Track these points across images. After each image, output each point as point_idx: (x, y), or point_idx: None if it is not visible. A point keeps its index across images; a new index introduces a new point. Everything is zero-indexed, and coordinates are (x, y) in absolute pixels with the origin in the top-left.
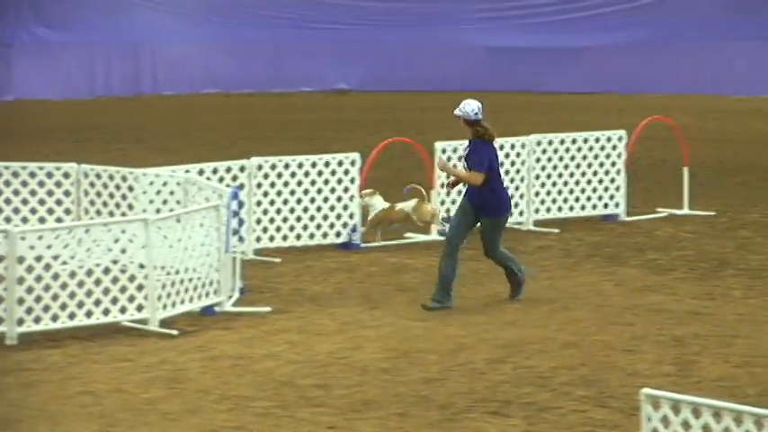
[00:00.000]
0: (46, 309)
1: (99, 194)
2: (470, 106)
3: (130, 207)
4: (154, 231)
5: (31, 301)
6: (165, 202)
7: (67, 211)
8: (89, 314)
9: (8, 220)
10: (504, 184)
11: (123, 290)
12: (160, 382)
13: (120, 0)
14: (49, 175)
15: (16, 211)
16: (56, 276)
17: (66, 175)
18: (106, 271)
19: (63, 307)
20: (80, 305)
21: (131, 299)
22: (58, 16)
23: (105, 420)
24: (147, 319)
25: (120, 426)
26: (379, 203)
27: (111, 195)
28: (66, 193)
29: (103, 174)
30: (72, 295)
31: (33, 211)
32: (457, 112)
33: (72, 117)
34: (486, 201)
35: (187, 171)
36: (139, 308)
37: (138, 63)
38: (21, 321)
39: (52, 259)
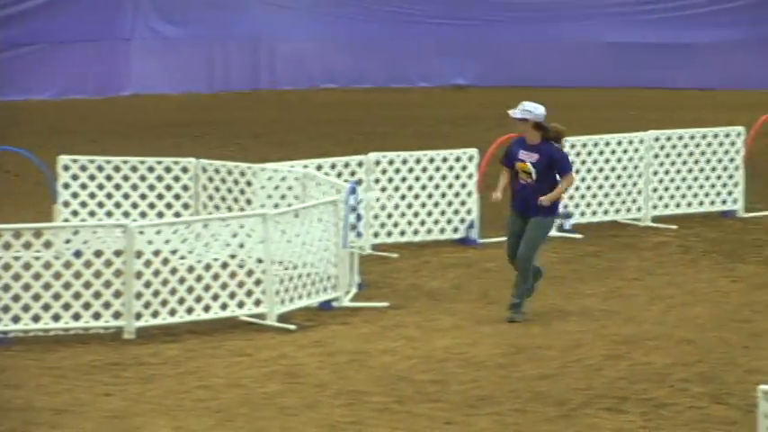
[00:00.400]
0: (164, 303)
1: (217, 189)
2: (540, 109)
3: (248, 202)
4: (272, 226)
5: (149, 296)
6: (283, 197)
7: (186, 206)
8: (207, 309)
9: (126, 214)
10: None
11: (241, 285)
12: (278, 376)
13: None
14: (168, 169)
15: (134, 205)
16: (174, 271)
17: (185, 170)
18: (224, 266)
19: (181, 301)
20: (198, 300)
21: (249, 293)
22: (178, 11)
23: (223, 415)
24: (265, 313)
25: (238, 420)
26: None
27: (230, 190)
28: (185, 188)
29: (222, 169)
30: (190, 290)
31: (152, 205)
32: (521, 114)
33: (190, 112)
34: (535, 202)
35: (305, 166)
36: (257, 303)
37: (257, 58)
38: (139, 316)
39: (170, 254)
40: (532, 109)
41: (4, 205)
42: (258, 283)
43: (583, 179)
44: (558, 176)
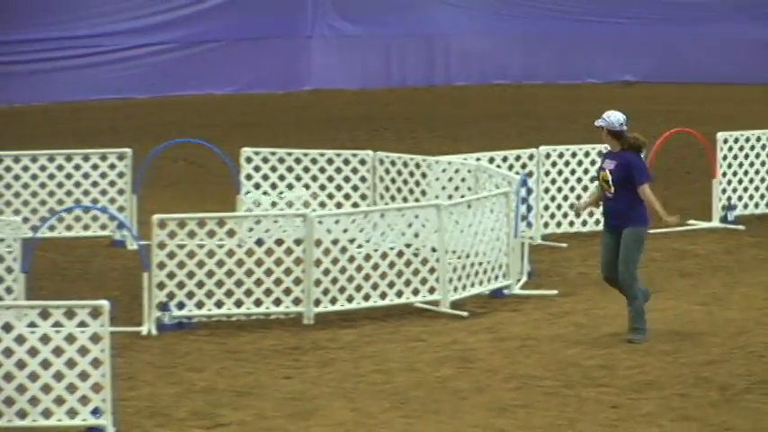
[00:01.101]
0: (342, 290)
1: (393, 181)
2: (616, 117)
3: (423, 193)
4: (446, 216)
5: (327, 283)
6: (456, 188)
7: (363, 197)
8: (383, 296)
9: (306, 204)
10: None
11: (416, 272)
12: (451, 361)
13: None
14: (346, 162)
15: (314, 196)
16: (351, 259)
17: (363, 162)
18: (400, 254)
19: (358, 288)
20: (374, 287)
21: (423, 281)
22: (356, 10)
23: (398, 397)
24: (439, 300)
25: (412, 403)
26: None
27: (405, 182)
28: (362, 180)
29: (398, 161)
30: (367, 277)
31: (330, 196)
32: (600, 122)
33: (367, 106)
34: (628, 213)
35: (478, 159)
36: (431, 290)
37: (432, 55)
38: (317, 302)
39: (348, 242)
40: (607, 117)
41: (190, 195)
42: (432, 271)
43: (746, 172)
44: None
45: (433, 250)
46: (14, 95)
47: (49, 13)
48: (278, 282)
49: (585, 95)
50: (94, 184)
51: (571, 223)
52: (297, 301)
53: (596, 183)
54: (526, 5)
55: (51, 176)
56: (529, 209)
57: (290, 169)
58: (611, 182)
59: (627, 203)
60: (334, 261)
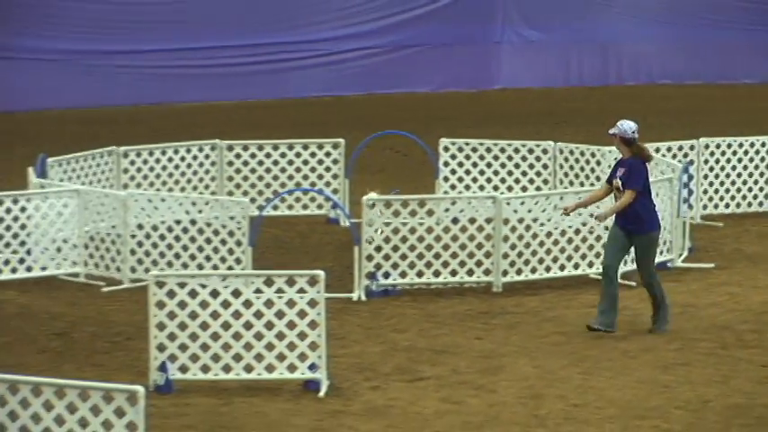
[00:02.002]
0: (526, 262)
1: (572, 168)
2: (629, 125)
3: (597, 179)
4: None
5: (513, 256)
6: None
7: (545, 182)
8: (562, 267)
9: (496, 188)
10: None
11: (590, 247)
12: (621, 325)
13: (591, 6)
14: (530, 151)
15: (502, 180)
16: (534, 236)
17: (545, 151)
18: (576, 232)
19: (540, 261)
20: (554, 260)
21: (598, 255)
22: (540, 19)
23: (575, 356)
24: None
25: (587, 361)
26: None
27: (582, 168)
28: (545, 167)
29: (575, 150)
30: (548, 252)
31: (516, 180)
32: (613, 130)
33: (549, 103)
34: (641, 216)
35: None
36: None
37: (605, 58)
38: (505, 273)
39: (532, 221)
40: (620, 125)
41: (394, 180)
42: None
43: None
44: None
45: (606, 228)
46: (257, 91)
47: (284, 19)
48: (471, 255)
49: (741, 94)
50: (312, 169)
51: (727, 205)
52: (487, 272)
53: (602, 183)
54: (687, 15)
55: (275, 162)
56: (690, 193)
57: (481, 157)
58: (621, 188)
59: (638, 207)
60: (520, 237)
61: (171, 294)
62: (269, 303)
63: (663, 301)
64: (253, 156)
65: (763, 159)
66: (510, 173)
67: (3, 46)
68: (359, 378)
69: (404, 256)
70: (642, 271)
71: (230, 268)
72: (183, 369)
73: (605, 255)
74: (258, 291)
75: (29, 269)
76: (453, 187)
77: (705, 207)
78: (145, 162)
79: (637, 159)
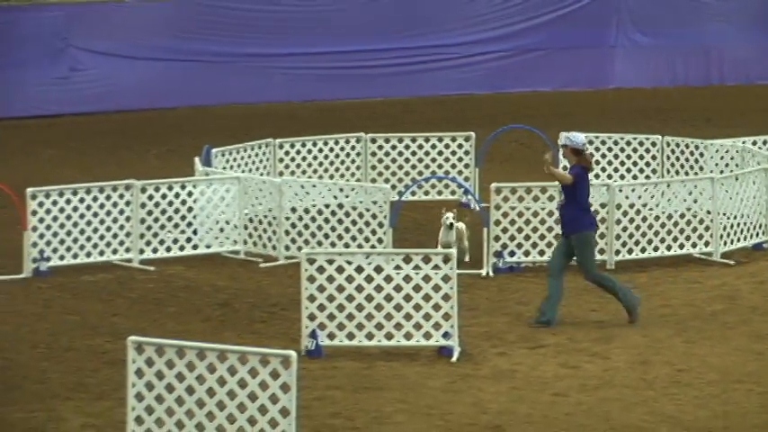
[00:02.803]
0: (636, 243)
1: (677, 159)
2: (579, 138)
3: (701, 168)
4: (718, 186)
5: (625, 237)
6: (726, 165)
7: (654, 171)
8: (668, 248)
9: (610, 176)
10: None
11: (694, 230)
12: (720, 299)
13: (696, 13)
14: (641, 143)
15: (616, 170)
16: (644, 219)
17: (654, 144)
18: (681, 216)
19: (649, 242)
20: (662, 241)
21: (700, 237)
22: (650, 26)
23: (679, 326)
24: (712, 252)
25: (690, 331)
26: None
27: (687, 159)
28: (653, 158)
29: (681, 143)
30: (656, 233)
31: (628, 170)
32: (565, 141)
33: (658, 101)
34: (570, 219)
35: (743, 142)
36: (706, 244)
37: (708, 60)
38: (617, 252)
39: (641, 206)
40: (571, 137)
41: (519, 169)
42: (707, 229)
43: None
44: (576, 195)
45: (708, 213)
46: (397, 90)
47: (421, 25)
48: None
49: None
50: (446, 159)
51: None
52: (601, 251)
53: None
54: None
55: (413, 153)
56: None
57: (596, 149)
58: (561, 192)
59: (567, 211)
60: (631, 221)
61: (320, 270)
62: (407, 278)
63: (618, 291)
64: (393, 147)
65: None
66: (622, 163)
67: (174, 49)
68: (487, 345)
69: (527, 237)
70: (582, 269)
71: (373, 247)
72: (331, 336)
73: (551, 256)
74: (398, 267)
75: (195, 247)
76: None
77: None
78: (298, 152)
79: (579, 167)
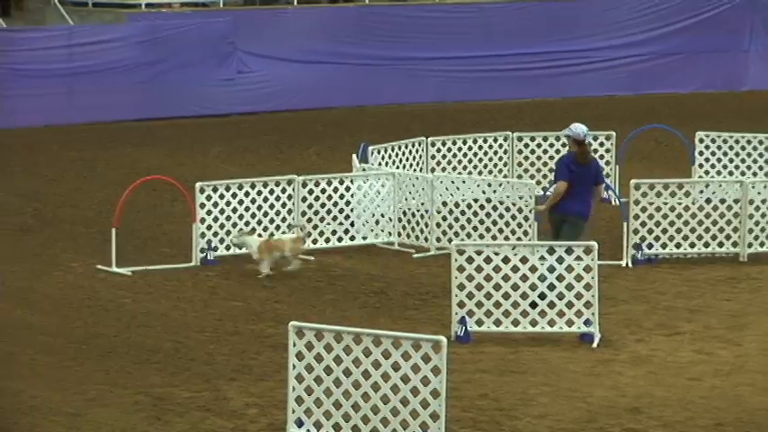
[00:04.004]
0: None
1: None
2: (579, 129)
3: None
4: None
5: (757, 231)
6: None
7: None
8: None
9: (743, 173)
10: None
11: None
12: None
13: None
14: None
15: (749, 167)
16: None
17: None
18: None
19: None
20: None
21: None
22: None
23: None
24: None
25: None
26: (253, 240)
27: None
28: None
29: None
30: None
31: (761, 167)
32: (567, 132)
33: None
34: (572, 206)
35: None
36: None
37: None
38: (750, 245)
39: None
40: (572, 128)
41: (658, 166)
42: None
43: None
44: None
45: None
46: (543, 91)
47: (567, 30)
48: (721, 230)
49: None
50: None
51: None
52: (734, 244)
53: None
54: None
55: (557, 151)
56: None
57: (730, 147)
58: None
59: (564, 199)
60: (763, 215)
61: (469, 260)
62: (551, 269)
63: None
64: (538, 145)
65: None
66: (755, 161)
67: (334, 53)
68: (625, 332)
69: (664, 231)
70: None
71: (519, 239)
72: (479, 323)
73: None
74: (542, 258)
75: (352, 238)
76: (707, 173)
77: None
78: (449, 150)
79: (572, 157)
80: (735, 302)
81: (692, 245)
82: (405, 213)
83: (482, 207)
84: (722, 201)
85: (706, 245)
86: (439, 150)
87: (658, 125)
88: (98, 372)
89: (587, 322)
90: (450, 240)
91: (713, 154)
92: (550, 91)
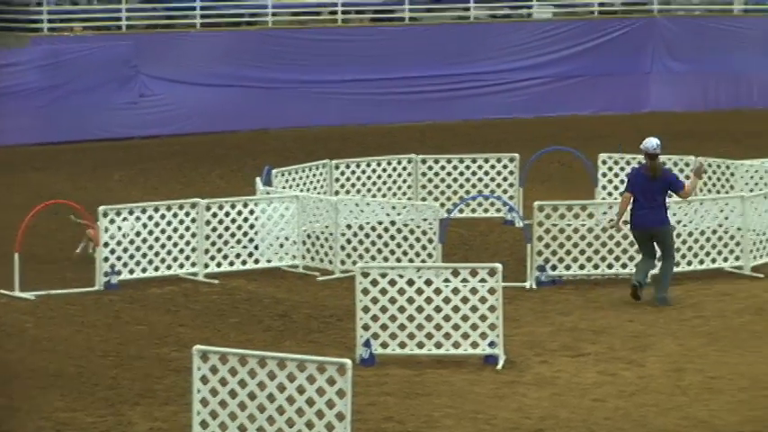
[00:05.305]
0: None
1: (709, 178)
2: (650, 143)
3: (732, 187)
4: (748, 204)
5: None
6: (756, 183)
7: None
8: (701, 262)
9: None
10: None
11: (726, 245)
12: (750, 310)
13: (726, 42)
14: (675, 164)
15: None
16: (678, 235)
17: (687, 164)
18: (714, 232)
19: (683, 257)
20: (695, 255)
21: (731, 252)
22: (683, 53)
23: (711, 336)
24: (742, 266)
25: (722, 340)
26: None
27: (718, 179)
28: (687, 177)
29: (713, 163)
30: (689, 248)
31: None
32: (641, 146)
33: (690, 124)
34: (650, 219)
35: None
36: (737, 258)
37: (738, 86)
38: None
39: (676, 223)
40: (645, 142)
41: (560, 188)
42: (738, 244)
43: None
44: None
45: (739, 229)
46: (446, 114)
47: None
48: (624, 251)
49: None
50: (492, 179)
51: None
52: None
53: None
54: None
55: (461, 173)
56: None
57: (622, 169)
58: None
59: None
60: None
61: (374, 283)
62: (455, 291)
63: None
64: (442, 167)
65: None
66: None
67: (236, 76)
68: (530, 354)
69: (568, 252)
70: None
71: (423, 262)
72: (384, 345)
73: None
74: (446, 280)
75: (256, 261)
76: (610, 194)
77: None
78: (353, 172)
79: (640, 168)
80: (638, 323)
81: (596, 266)
82: (309, 236)
83: (386, 230)
84: (625, 222)
85: (609, 266)
86: (343, 173)
87: (561, 147)
88: (0, 397)
89: (492, 344)
90: (354, 263)
91: (616, 176)
92: (453, 114)
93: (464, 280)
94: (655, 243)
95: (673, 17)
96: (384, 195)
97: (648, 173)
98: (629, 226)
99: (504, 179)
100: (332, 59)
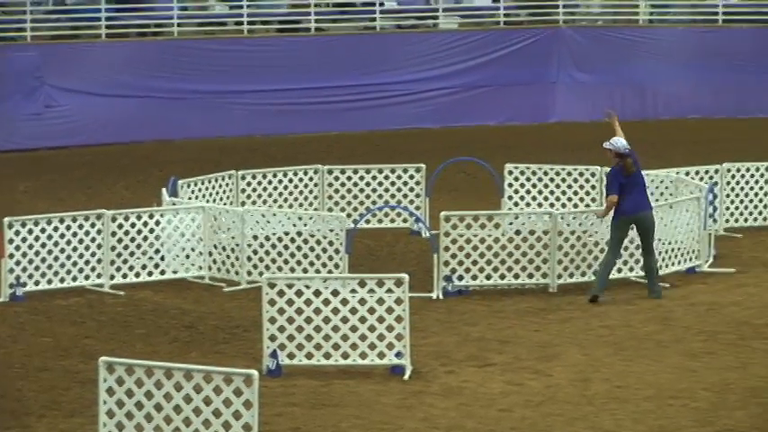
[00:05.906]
0: (577, 267)
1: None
2: (619, 143)
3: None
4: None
5: (566, 262)
6: (661, 193)
7: (593, 200)
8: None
9: (552, 205)
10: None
11: (631, 255)
12: (655, 320)
13: (632, 53)
14: (581, 174)
15: (557, 198)
16: (584, 245)
17: (593, 174)
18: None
19: (589, 266)
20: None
21: (637, 261)
22: (589, 64)
23: (617, 346)
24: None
25: (628, 350)
26: None
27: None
28: (593, 187)
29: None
30: (596, 258)
31: (569, 198)
32: (608, 146)
33: (597, 134)
34: (639, 203)
35: (677, 173)
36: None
37: (644, 97)
38: (559, 276)
39: (582, 233)
40: (613, 142)
41: (466, 198)
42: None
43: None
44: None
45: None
46: (352, 124)
47: (374, 63)
48: (530, 261)
49: (757, 126)
50: (398, 189)
51: (746, 219)
52: (544, 275)
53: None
54: (711, 59)
55: (367, 184)
56: (714, 209)
57: (539, 179)
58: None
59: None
60: (572, 246)
61: (281, 294)
62: (362, 301)
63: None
64: (349, 178)
65: None
66: (563, 192)
67: (142, 87)
68: (436, 364)
69: (475, 262)
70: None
71: (330, 272)
72: (291, 356)
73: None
74: (353, 291)
75: (162, 272)
76: (516, 204)
77: (727, 221)
78: (259, 183)
79: (618, 168)
80: (544, 333)
81: (503, 276)
82: (215, 247)
83: (293, 240)
84: (532, 232)
85: (516, 276)
86: (249, 184)
87: (467, 158)
88: None
89: (398, 354)
90: (261, 274)
91: (522, 186)
92: (360, 124)
93: (371, 290)
94: (639, 233)
95: (578, 27)
96: (291, 206)
97: (624, 172)
98: (612, 217)
99: (411, 189)
100: (238, 70)
